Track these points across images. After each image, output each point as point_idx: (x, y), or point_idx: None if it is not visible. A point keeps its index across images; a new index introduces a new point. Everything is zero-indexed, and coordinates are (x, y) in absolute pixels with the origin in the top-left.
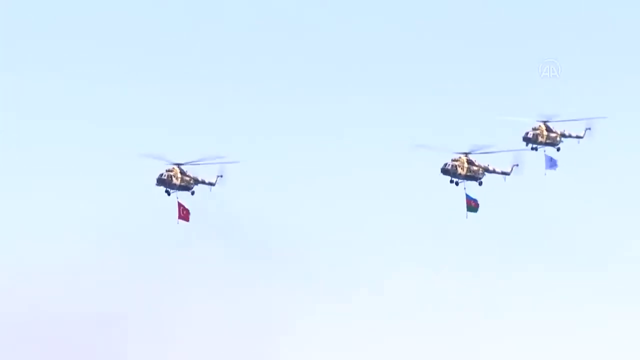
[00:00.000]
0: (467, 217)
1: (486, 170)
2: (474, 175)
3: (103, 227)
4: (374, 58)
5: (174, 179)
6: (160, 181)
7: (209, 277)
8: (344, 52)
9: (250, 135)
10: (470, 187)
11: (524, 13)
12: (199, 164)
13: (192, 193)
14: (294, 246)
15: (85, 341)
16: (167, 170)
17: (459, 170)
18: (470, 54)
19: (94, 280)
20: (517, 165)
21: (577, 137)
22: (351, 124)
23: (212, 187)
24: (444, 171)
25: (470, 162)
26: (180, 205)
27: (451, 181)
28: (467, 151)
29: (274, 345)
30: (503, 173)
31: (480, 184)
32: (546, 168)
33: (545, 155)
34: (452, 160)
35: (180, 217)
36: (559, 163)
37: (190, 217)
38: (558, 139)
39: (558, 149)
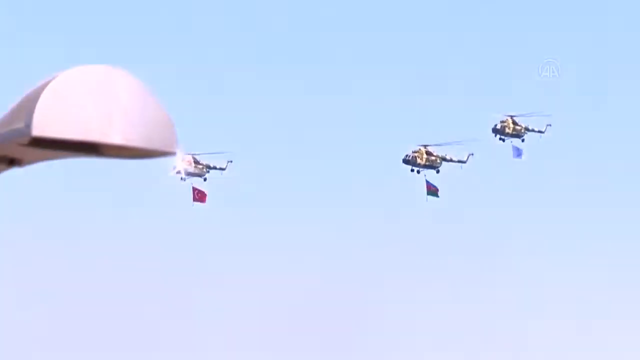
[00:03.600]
0: (427, 200)
1: (443, 159)
2: (432, 164)
3: None
4: (373, 57)
5: (189, 167)
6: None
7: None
8: (344, 51)
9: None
10: (430, 174)
11: (524, 13)
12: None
13: (205, 179)
14: None
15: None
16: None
17: (419, 160)
18: (470, 53)
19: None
20: (472, 154)
21: (539, 131)
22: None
23: (223, 171)
24: (405, 161)
25: (428, 153)
26: (194, 189)
27: (412, 170)
28: (426, 143)
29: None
30: (460, 161)
31: (438, 171)
32: (513, 157)
33: (512, 146)
34: (412, 152)
35: (195, 199)
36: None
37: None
38: (522, 131)
39: (523, 140)
